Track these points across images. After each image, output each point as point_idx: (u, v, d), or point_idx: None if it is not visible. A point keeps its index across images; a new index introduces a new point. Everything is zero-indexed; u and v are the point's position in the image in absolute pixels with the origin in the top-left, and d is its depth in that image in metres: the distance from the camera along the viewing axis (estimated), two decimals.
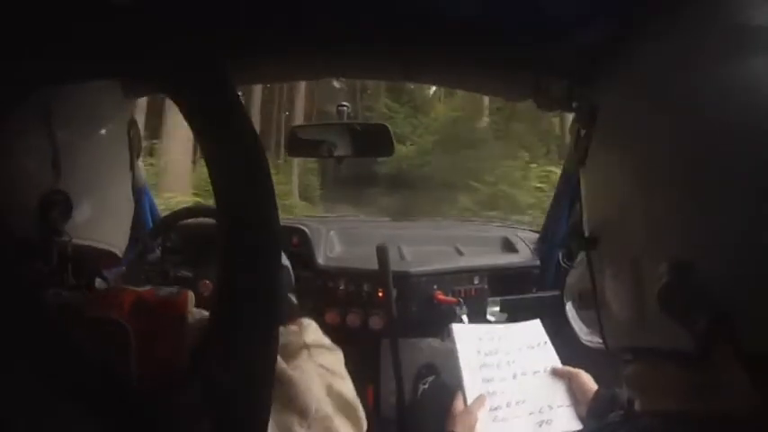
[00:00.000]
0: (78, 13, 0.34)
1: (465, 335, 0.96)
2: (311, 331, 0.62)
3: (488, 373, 0.90)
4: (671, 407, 0.34)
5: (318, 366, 0.57)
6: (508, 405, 0.86)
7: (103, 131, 0.53)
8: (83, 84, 0.50)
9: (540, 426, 0.84)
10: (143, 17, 0.35)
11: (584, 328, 0.46)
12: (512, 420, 0.84)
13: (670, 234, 0.32)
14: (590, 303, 0.42)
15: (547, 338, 0.96)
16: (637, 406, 0.39)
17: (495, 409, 0.85)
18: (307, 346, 0.57)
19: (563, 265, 1.26)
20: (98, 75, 0.48)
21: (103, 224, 0.54)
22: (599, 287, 0.40)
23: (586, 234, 0.41)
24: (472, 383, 0.87)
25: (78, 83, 0.49)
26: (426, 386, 1.09)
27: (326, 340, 0.64)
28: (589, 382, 0.85)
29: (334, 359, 0.62)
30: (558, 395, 0.87)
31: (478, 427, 0.81)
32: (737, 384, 0.30)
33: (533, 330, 0.99)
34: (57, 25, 0.35)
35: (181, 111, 0.35)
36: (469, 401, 0.85)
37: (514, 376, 0.90)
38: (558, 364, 0.91)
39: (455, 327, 0.97)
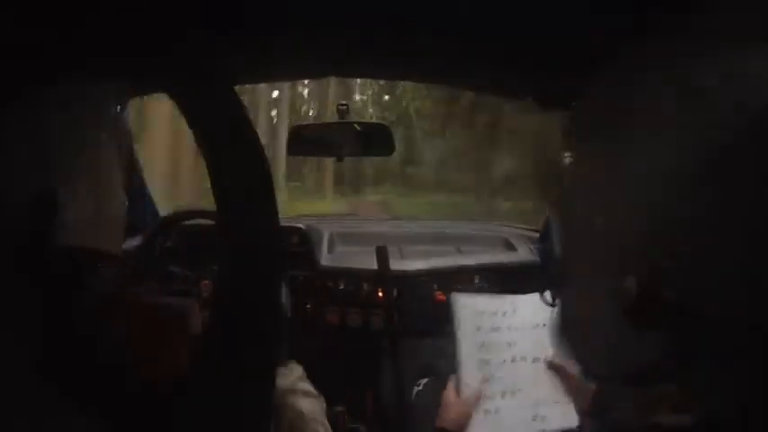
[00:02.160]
0: (80, 11, 0.34)
1: (466, 307, 0.90)
2: (296, 375, 0.62)
3: (486, 355, 0.85)
4: (661, 420, 0.34)
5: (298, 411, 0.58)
6: (503, 395, 0.83)
7: (98, 121, 0.49)
8: (83, 81, 0.48)
9: (534, 420, 0.82)
10: (145, 17, 0.35)
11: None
12: (504, 412, 0.82)
13: (647, 245, 0.31)
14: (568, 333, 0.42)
15: None
16: (630, 416, 0.39)
17: (490, 398, 0.82)
18: (292, 391, 0.58)
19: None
20: (98, 74, 0.48)
21: (97, 223, 0.50)
22: (573, 316, 0.40)
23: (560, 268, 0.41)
24: (468, 367, 0.84)
25: (79, 81, 0.48)
26: (420, 387, 1.09)
27: (310, 387, 0.64)
28: (585, 381, 0.82)
29: (316, 407, 0.63)
30: (555, 389, 0.84)
31: (470, 421, 0.79)
32: (717, 392, 0.30)
33: (540, 306, 0.93)
34: (57, 23, 0.35)
35: (181, 112, 0.35)
36: (463, 389, 0.82)
37: (513, 360, 0.86)
38: (554, 352, 0.86)
39: (457, 296, 0.92)
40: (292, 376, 0.62)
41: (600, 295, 0.35)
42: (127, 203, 0.60)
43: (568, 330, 0.41)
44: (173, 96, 0.36)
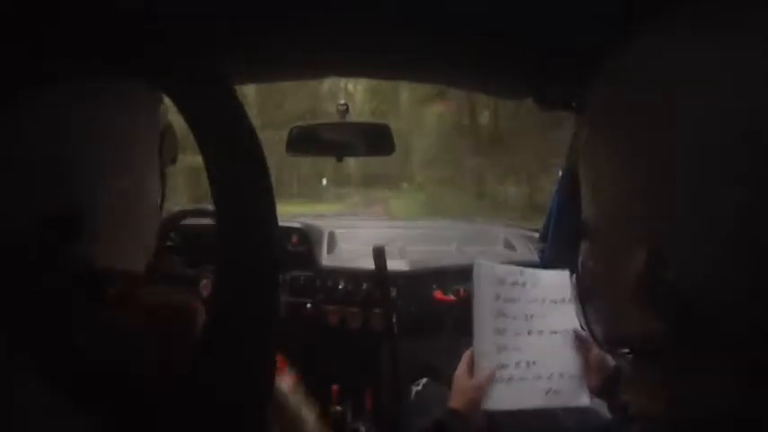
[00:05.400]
0: (79, 11, 0.34)
1: (487, 275, 0.87)
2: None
3: (502, 324, 0.83)
4: (662, 413, 0.34)
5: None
6: (517, 365, 0.81)
7: (127, 130, 0.46)
8: (87, 81, 0.46)
9: (547, 394, 0.80)
10: (142, 16, 0.35)
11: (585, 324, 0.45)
12: (517, 382, 0.80)
13: (654, 226, 0.31)
14: (585, 296, 0.41)
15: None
16: (631, 409, 0.39)
17: (503, 367, 0.80)
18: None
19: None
20: (97, 73, 0.47)
21: (126, 240, 0.47)
22: (590, 279, 0.40)
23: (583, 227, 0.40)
24: (483, 336, 0.82)
25: (77, 81, 0.47)
26: (420, 387, 1.08)
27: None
28: (608, 356, 0.78)
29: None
30: (570, 363, 0.82)
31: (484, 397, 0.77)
32: (716, 387, 0.30)
33: (561, 282, 0.88)
34: (56, 23, 0.35)
35: (179, 110, 0.35)
36: (477, 355, 0.80)
37: (530, 333, 0.83)
38: (577, 325, 0.83)
39: (478, 263, 0.88)
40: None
41: (617, 270, 0.35)
42: (161, 214, 0.55)
43: (587, 303, 0.40)
44: (172, 96, 0.37)
